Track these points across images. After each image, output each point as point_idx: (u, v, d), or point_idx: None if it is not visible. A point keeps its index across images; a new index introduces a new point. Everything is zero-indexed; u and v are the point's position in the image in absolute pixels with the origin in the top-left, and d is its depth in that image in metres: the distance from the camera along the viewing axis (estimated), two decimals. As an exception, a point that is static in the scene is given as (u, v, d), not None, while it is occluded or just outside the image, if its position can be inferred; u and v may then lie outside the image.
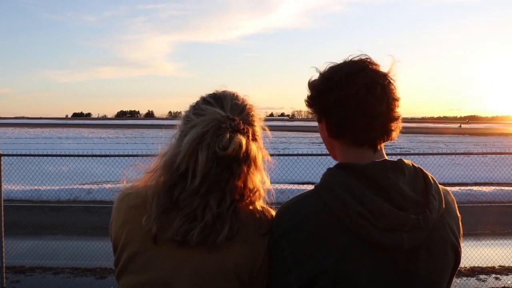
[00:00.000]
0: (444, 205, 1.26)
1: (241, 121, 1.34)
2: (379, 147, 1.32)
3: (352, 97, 1.26)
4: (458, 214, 1.36)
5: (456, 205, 1.37)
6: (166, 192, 1.31)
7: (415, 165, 1.30)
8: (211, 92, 1.45)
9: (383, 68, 1.32)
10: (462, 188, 12.78)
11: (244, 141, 1.32)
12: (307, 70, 1.38)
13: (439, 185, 1.31)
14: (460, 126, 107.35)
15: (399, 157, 1.41)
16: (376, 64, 1.32)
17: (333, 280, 1.19)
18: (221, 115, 1.33)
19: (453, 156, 14.09)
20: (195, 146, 1.30)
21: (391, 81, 1.30)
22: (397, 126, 1.32)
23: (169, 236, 1.29)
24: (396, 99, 1.30)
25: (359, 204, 1.18)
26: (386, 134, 1.31)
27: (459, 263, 1.34)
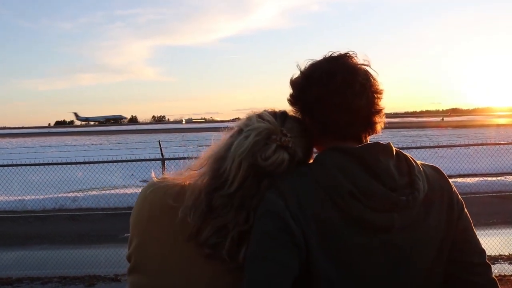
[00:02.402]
0: (427, 184, 1.30)
1: (291, 141, 1.32)
2: (364, 140, 1.35)
3: (332, 93, 1.29)
4: (450, 186, 1.38)
5: (442, 176, 1.39)
6: (207, 195, 1.29)
7: (396, 148, 1.33)
8: (287, 110, 1.43)
9: (364, 62, 1.34)
10: (447, 180, 12.88)
11: (287, 159, 1.30)
12: (288, 70, 1.41)
13: (419, 163, 1.34)
14: (443, 119, 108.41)
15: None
16: (356, 59, 1.34)
17: (327, 260, 1.20)
18: (276, 126, 1.32)
19: (437, 148, 14.23)
20: (247, 153, 1.28)
21: (371, 75, 1.33)
22: (380, 119, 1.35)
23: (199, 243, 1.28)
24: (377, 92, 1.32)
25: (351, 184, 1.21)
26: (369, 127, 1.34)
27: (461, 226, 1.35)
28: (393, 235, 1.23)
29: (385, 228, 1.22)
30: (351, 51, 1.35)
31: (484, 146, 11.97)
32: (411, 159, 1.32)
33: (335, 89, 1.29)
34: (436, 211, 1.31)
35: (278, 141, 1.30)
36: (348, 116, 1.29)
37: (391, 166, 1.26)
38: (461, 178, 13.23)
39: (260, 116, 1.36)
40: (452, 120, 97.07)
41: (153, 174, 1.45)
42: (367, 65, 1.34)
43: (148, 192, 1.38)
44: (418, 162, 1.36)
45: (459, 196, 1.39)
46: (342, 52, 1.35)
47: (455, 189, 1.39)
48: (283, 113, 1.40)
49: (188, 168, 1.41)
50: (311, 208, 1.21)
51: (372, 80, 1.32)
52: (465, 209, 1.39)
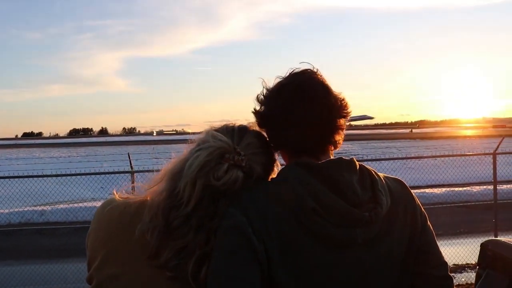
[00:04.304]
0: (390, 198, 1.31)
1: (246, 159, 1.32)
2: (322, 155, 1.34)
3: (281, 108, 1.32)
4: (414, 199, 1.39)
5: (405, 189, 1.40)
6: (164, 213, 1.28)
7: (359, 163, 1.34)
8: (247, 124, 1.43)
9: (323, 78, 1.36)
10: (415, 190, 12.90)
11: (241, 177, 1.30)
12: (259, 82, 1.41)
13: (381, 176, 1.36)
14: (411, 131, 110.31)
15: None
16: (314, 74, 1.36)
17: (289, 276, 1.20)
18: (229, 145, 1.31)
19: (406, 160, 14.46)
20: (197, 173, 1.27)
21: (329, 91, 1.34)
22: (338, 135, 1.35)
23: (159, 264, 1.26)
24: (333, 109, 1.32)
25: (314, 200, 1.21)
26: (324, 143, 1.35)
27: (423, 239, 1.37)
28: (356, 250, 1.24)
29: (347, 244, 1.23)
30: (314, 67, 1.38)
31: (451, 157, 12.23)
32: (374, 173, 1.33)
33: (283, 105, 1.32)
34: (400, 225, 1.32)
35: (231, 160, 1.29)
36: (298, 131, 1.31)
37: (354, 182, 1.27)
38: (429, 189, 13.45)
39: (216, 133, 1.35)
40: (420, 131, 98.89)
41: (114, 192, 1.44)
42: (324, 81, 1.35)
43: (105, 211, 1.37)
44: (381, 175, 1.37)
45: (422, 208, 1.41)
46: (303, 68, 1.38)
47: (418, 201, 1.41)
48: (242, 129, 1.41)
49: (148, 183, 1.40)
50: (274, 223, 1.22)
51: (327, 97, 1.33)
52: (428, 222, 1.41)
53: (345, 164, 1.29)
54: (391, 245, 1.29)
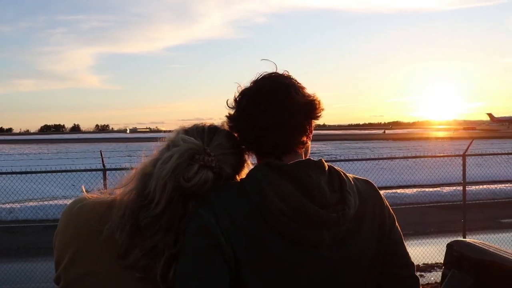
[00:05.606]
0: (358, 199, 1.32)
1: (215, 160, 1.31)
2: (287, 157, 1.33)
3: (243, 112, 1.33)
4: (382, 200, 1.41)
5: (374, 190, 1.41)
6: (132, 213, 1.27)
7: (328, 163, 1.35)
8: (219, 123, 1.43)
9: (289, 80, 1.35)
10: (387, 191, 13.26)
11: (211, 178, 1.29)
12: (234, 81, 1.40)
13: (351, 177, 1.37)
14: (384, 132, 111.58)
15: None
16: (279, 77, 1.36)
17: (257, 276, 1.21)
18: (199, 146, 1.30)
19: (378, 160, 14.64)
20: (168, 175, 1.26)
21: (293, 93, 1.32)
22: (300, 136, 1.34)
23: (128, 264, 1.25)
24: (293, 111, 1.31)
25: (281, 201, 1.21)
26: (289, 145, 1.34)
27: (391, 240, 1.39)
28: (323, 251, 1.25)
29: (315, 245, 1.24)
30: (276, 67, 1.38)
31: (423, 158, 12.44)
32: (343, 174, 1.34)
33: (245, 108, 1.33)
34: (368, 226, 1.34)
35: (201, 161, 1.29)
36: (260, 134, 1.31)
37: (323, 183, 1.27)
38: (401, 189, 13.66)
39: (186, 134, 1.35)
40: (393, 133, 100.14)
41: (83, 188, 1.42)
42: (288, 84, 1.34)
43: (74, 210, 1.35)
44: (350, 176, 1.38)
45: (391, 209, 1.43)
46: (271, 72, 1.38)
47: (387, 202, 1.43)
48: (212, 129, 1.41)
49: (118, 183, 1.39)
50: (242, 224, 1.22)
51: (288, 99, 1.32)
52: (396, 223, 1.43)
53: (314, 165, 1.30)
54: (359, 245, 1.31)
